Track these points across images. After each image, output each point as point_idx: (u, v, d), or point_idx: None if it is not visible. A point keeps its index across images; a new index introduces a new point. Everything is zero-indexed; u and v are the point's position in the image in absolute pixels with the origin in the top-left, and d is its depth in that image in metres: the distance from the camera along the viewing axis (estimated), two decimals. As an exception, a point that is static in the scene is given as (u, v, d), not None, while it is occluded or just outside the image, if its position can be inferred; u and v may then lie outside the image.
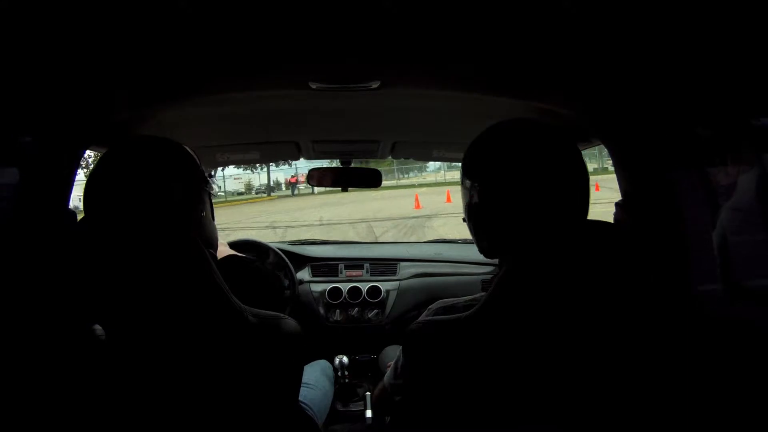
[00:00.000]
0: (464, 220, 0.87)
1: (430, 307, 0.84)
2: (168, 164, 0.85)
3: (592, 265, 0.69)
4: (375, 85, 0.95)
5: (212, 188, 0.99)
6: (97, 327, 0.73)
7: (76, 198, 0.98)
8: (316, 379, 1.42)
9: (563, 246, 0.69)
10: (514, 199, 0.76)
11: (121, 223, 0.74)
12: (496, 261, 0.87)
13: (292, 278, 1.82)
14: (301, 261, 1.98)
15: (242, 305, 0.77)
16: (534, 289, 0.69)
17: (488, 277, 1.91)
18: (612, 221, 0.97)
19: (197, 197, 0.90)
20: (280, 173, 26.83)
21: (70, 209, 0.95)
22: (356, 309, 1.87)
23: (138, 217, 0.76)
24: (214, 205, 1.04)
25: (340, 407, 1.81)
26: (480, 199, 0.79)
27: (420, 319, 0.77)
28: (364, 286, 1.89)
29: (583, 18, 0.66)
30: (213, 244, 0.99)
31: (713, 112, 0.85)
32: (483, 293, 0.82)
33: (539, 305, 0.69)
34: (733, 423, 0.74)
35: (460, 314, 0.74)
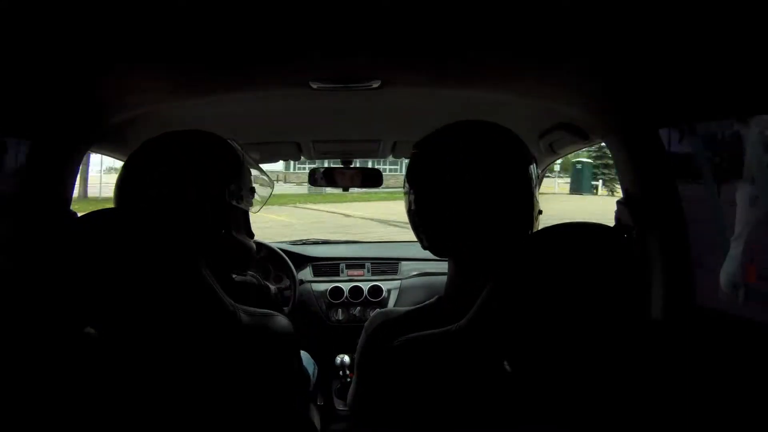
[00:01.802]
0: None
1: (369, 325, 0.82)
2: (185, 170, 0.81)
3: (586, 270, 0.67)
4: (376, 84, 0.95)
5: (249, 204, 0.90)
6: (90, 329, 0.73)
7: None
8: None
9: (550, 250, 0.68)
10: (438, 207, 0.77)
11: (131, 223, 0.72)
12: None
13: (292, 278, 1.82)
14: (302, 261, 1.98)
15: (235, 304, 0.77)
16: (526, 298, 0.67)
17: None
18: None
19: (216, 214, 0.84)
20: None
21: (70, 209, 0.95)
22: (358, 308, 1.87)
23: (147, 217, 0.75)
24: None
25: (340, 406, 1.82)
26: (416, 204, 0.80)
27: (405, 337, 0.73)
28: (366, 286, 1.90)
29: (584, 15, 0.65)
30: (239, 263, 0.93)
31: (715, 109, 0.85)
32: (431, 299, 0.82)
33: (532, 314, 0.67)
34: (734, 425, 0.74)
35: (449, 327, 0.71)
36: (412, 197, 0.80)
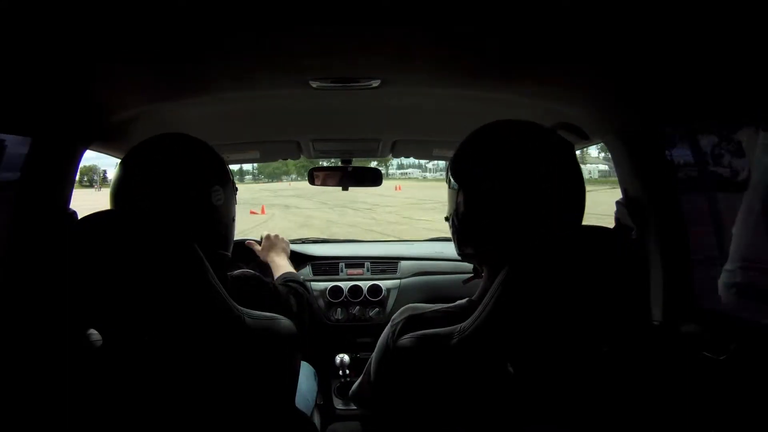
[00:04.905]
0: (447, 219, 0.85)
1: (396, 317, 0.82)
2: (204, 167, 0.89)
3: (591, 273, 0.67)
4: (375, 83, 0.95)
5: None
6: (93, 332, 0.72)
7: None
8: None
9: (557, 254, 0.67)
10: (501, 207, 0.74)
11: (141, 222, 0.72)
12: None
13: None
14: (301, 260, 1.98)
15: (240, 308, 0.77)
16: (532, 301, 0.67)
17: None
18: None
19: (232, 202, 0.93)
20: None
21: (70, 209, 0.95)
22: (357, 307, 1.87)
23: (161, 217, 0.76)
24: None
25: (340, 406, 1.82)
26: (465, 206, 0.77)
27: (413, 334, 0.73)
28: (365, 285, 1.89)
29: (584, 16, 0.65)
30: (229, 247, 1.01)
31: (715, 109, 0.85)
32: (461, 301, 0.81)
33: (537, 317, 0.67)
34: (734, 425, 0.74)
35: (455, 327, 0.71)
36: (461, 198, 0.77)
